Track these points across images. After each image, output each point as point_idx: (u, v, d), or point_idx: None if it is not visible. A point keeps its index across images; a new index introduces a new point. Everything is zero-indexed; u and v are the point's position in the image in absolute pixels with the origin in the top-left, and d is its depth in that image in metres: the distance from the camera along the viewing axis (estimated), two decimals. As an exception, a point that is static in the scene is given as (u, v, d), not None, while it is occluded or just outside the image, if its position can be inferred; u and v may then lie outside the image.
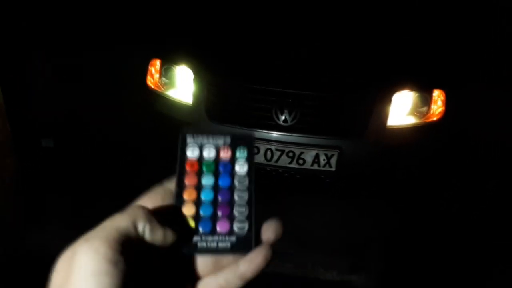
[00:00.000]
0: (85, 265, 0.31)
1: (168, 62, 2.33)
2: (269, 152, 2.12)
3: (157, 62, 2.35)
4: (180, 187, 0.41)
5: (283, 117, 2.09)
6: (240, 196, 0.41)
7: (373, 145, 2.07)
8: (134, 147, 2.78)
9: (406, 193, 2.50)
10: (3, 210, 1.99)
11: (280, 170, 2.18)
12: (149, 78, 2.37)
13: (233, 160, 0.42)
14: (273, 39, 2.40)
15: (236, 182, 0.41)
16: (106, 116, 3.02)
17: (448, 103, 2.22)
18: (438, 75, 2.33)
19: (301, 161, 2.11)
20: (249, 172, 0.42)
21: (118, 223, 0.34)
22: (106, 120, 3.01)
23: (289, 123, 2.09)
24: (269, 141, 2.11)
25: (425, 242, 2.20)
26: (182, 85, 2.27)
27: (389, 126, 2.09)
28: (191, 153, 0.42)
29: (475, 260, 2.08)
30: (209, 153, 0.42)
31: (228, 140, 0.43)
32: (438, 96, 2.21)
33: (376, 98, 2.08)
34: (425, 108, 2.18)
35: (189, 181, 0.41)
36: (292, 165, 2.13)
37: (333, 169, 2.10)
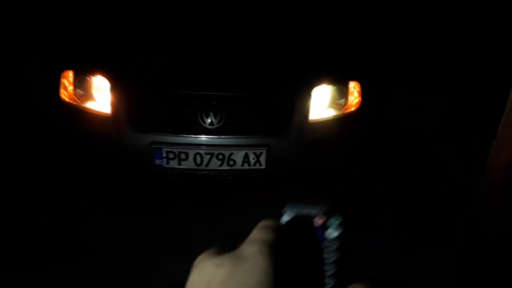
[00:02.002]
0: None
1: (81, 73, 2.19)
2: (198, 157, 2.10)
3: (70, 74, 2.20)
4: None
5: (209, 120, 2.08)
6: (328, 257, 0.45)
7: (298, 140, 2.14)
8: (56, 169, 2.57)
9: (333, 183, 2.62)
10: None
11: (212, 174, 2.17)
12: (62, 91, 2.22)
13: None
14: (191, 43, 2.38)
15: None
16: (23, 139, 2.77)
17: (364, 93, 2.37)
18: (352, 68, 2.48)
19: (231, 162, 2.12)
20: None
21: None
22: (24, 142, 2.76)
23: (215, 125, 2.08)
24: (198, 145, 2.09)
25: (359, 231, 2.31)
26: (99, 96, 2.16)
27: (311, 120, 2.17)
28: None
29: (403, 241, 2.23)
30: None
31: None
32: (354, 87, 2.34)
33: (297, 94, 2.15)
34: (343, 100, 2.29)
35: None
36: (223, 167, 2.13)
37: (263, 166, 2.14)
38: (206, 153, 2.09)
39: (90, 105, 2.16)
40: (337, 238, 0.46)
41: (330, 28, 2.64)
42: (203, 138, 2.09)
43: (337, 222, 0.47)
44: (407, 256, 2.08)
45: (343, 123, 2.27)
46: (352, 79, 2.34)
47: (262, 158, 2.12)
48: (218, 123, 2.08)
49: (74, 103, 2.18)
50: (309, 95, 2.17)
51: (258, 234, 0.42)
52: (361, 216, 2.28)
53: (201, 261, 0.40)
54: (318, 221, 0.47)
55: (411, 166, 2.92)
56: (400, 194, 2.60)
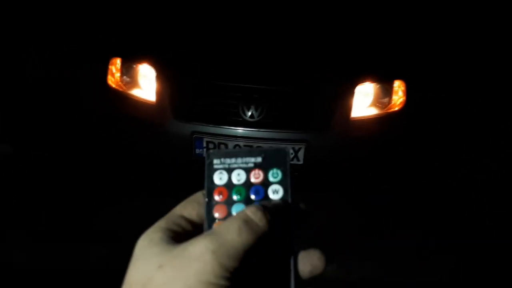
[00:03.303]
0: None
1: (129, 61, 2.26)
2: (237, 148, 2.11)
3: (118, 61, 2.27)
4: (209, 219, 0.37)
5: (249, 113, 2.09)
6: None
7: (338, 136, 2.11)
8: (97, 150, 2.68)
9: (370, 182, 2.57)
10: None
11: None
12: (109, 77, 2.29)
13: (265, 183, 0.38)
14: (237, 35, 2.39)
15: None
16: (67, 118, 2.90)
17: (409, 93, 2.30)
18: (398, 66, 2.40)
19: (269, 156, 2.12)
20: (284, 196, 0.38)
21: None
22: (67, 122, 2.90)
23: (255, 118, 2.09)
24: (237, 137, 2.11)
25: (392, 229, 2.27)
26: (144, 84, 2.21)
27: (353, 117, 2.13)
28: (219, 179, 0.38)
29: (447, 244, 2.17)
30: (238, 178, 0.38)
31: (260, 159, 0.39)
32: (398, 86, 2.27)
33: (339, 91, 2.12)
34: (387, 99, 2.24)
35: (219, 212, 0.37)
36: (260, 160, 2.13)
37: (301, 162, 2.13)
38: (245, 145, 2.11)
39: (135, 92, 2.22)
40: (282, 199, 0.37)
41: (377, 24, 2.57)
42: (243, 130, 2.10)
43: (279, 177, 0.38)
44: (411, 256, 2.04)
45: (386, 123, 2.22)
46: (398, 78, 2.28)
47: (301, 154, 2.11)
48: (258, 116, 2.09)
49: (120, 90, 2.25)
50: (352, 92, 2.14)
51: (218, 228, 0.34)
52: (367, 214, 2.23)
53: (143, 254, 0.34)
54: (256, 178, 0.38)
55: (422, 162, 2.84)
56: (408, 191, 2.56)
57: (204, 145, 2.12)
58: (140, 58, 2.23)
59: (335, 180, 2.49)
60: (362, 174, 2.47)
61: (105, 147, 2.61)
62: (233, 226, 0.33)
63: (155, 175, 2.57)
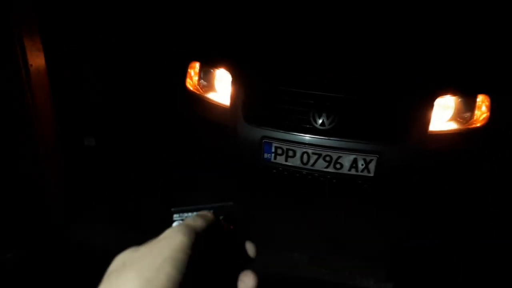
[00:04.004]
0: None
1: (207, 65, 2.37)
2: (305, 156, 2.11)
3: (196, 65, 2.40)
4: None
5: (320, 121, 2.07)
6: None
7: (413, 150, 2.02)
8: (173, 148, 2.85)
9: (447, 200, 2.42)
10: (47, 208, 2.09)
11: (316, 174, 2.17)
12: (188, 80, 2.42)
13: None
14: (311, 42, 2.40)
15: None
16: (146, 116, 3.11)
17: (493, 108, 2.13)
18: (482, 80, 2.25)
19: (338, 166, 2.09)
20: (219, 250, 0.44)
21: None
22: (146, 120, 3.11)
23: (326, 126, 2.07)
24: (306, 144, 2.10)
25: (466, 249, 2.12)
26: (220, 88, 2.31)
27: (431, 131, 2.03)
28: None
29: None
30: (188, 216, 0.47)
31: (211, 211, 0.46)
32: (482, 101, 2.13)
33: (417, 103, 2.03)
34: (468, 114, 2.10)
35: None
36: (329, 170, 2.11)
37: (372, 174, 2.07)
38: (313, 153, 2.10)
39: (212, 95, 2.32)
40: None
41: (461, 34, 2.43)
42: (312, 138, 2.09)
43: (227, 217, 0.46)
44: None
45: (467, 139, 2.08)
46: (481, 92, 2.13)
47: (372, 166, 2.05)
48: (329, 124, 2.07)
49: (198, 93, 2.36)
50: (431, 105, 2.03)
51: (187, 221, 0.42)
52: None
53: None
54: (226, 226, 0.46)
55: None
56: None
57: (273, 150, 2.14)
58: (218, 63, 2.33)
59: (408, 196, 2.39)
60: (441, 190, 2.34)
61: (181, 146, 2.77)
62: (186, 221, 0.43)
63: (223, 176, 2.65)
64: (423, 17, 2.50)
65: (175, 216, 0.48)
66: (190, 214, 0.48)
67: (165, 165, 2.78)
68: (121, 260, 0.38)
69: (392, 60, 2.26)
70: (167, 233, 0.39)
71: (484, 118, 2.13)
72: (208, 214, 0.45)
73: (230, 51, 2.40)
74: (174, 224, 0.47)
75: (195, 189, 2.54)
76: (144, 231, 2.13)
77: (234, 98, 2.21)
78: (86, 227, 2.19)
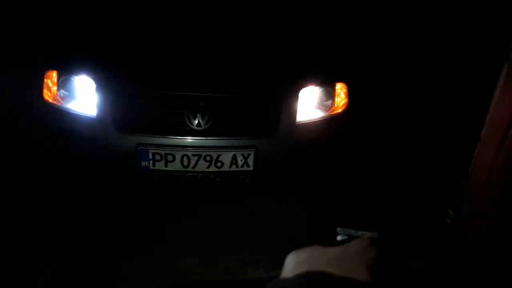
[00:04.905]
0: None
1: (65, 73, 2.15)
2: (185, 158, 2.08)
3: (54, 74, 2.16)
4: None
5: (196, 121, 2.06)
6: None
7: (285, 141, 2.14)
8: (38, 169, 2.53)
9: (321, 184, 2.63)
10: None
11: (200, 175, 2.15)
12: (45, 91, 2.17)
13: None
14: (177, 43, 2.36)
15: None
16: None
17: (350, 94, 2.38)
18: (339, 69, 2.49)
19: (219, 164, 2.11)
20: None
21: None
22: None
23: (203, 127, 2.07)
24: (185, 147, 2.07)
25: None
26: (83, 96, 2.11)
27: (299, 121, 2.17)
28: None
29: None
30: None
31: None
32: (340, 89, 2.35)
33: (284, 96, 2.15)
34: (329, 101, 2.31)
35: None
36: (210, 169, 2.11)
37: (251, 168, 2.13)
38: (193, 155, 2.08)
39: (74, 106, 2.12)
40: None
41: (316, 29, 2.65)
42: (190, 139, 2.07)
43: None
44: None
45: (330, 125, 2.27)
46: (339, 81, 2.35)
47: (250, 160, 2.11)
48: (205, 124, 2.07)
49: (58, 104, 2.13)
50: (296, 97, 2.18)
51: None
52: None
53: (300, 251, 0.51)
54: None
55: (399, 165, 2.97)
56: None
57: (150, 156, 2.06)
58: (77, 70, 2.13)
59: (286, 184, 2.52)
60: (310, 175, 2.52)
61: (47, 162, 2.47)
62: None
63: (103, 188, 2.47)
64: (284, 17, 2.65)
65: (340, 231, 0.58)
66: (353, 231, 0.57)
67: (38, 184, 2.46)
68: (314, 255, 0.49)
69: (259, 58, 2.35)
70: (357, 244, 0.49)
71: (343, 104, 2.36)
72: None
73: (92, 56, 2.22)
74: (338, 237, 0.58)
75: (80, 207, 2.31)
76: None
77: (101, 107, 2.06)
78: None
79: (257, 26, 2.53)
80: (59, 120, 2.12)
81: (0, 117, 2.71)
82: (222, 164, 2.11)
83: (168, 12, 2.57)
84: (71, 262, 1.94)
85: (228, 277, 1.99)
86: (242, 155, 2.10)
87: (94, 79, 2.08)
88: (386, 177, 2.82)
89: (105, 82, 2.08)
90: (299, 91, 2.19)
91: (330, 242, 0.53)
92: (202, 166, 2.10)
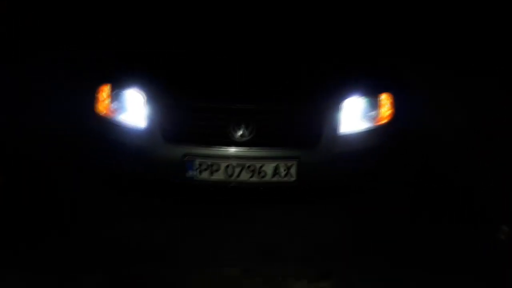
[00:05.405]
0: None
1: (118, 87, 2.28)
2: (229, 168, 2.13)
3: (107, 88, 2.30)
4: None
5: (240, 133, 2.11)
6: None
7: (328, 152, 2.14)
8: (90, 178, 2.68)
9: (366, 195, 2.58)
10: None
11: (243, 185, 2.19)
12: (99, 104, 2.31)
13: None
14: (222, 57, 2.44)
15: None
16: (58, 147, 2.89)
17: (395, 104, 2.34)
18: (384, 79, 2.46)
19: (262, 174, 2.13)
20: None
21: None
22: (58, 151, 2.88)
23: (246, 137, 2.11)
24: (229, 157, 2.12)
25: (390, 243, 2.26)
26: (134, 109, 2.23)
27: (342, 132, 2.17)
28: None
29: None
30: None
31: None
32: (385, 99, 2.32)
33: (327, 107, 2.16)
34: (374, 112, 2.28)
35: None
36: (253, 179, 2.15)
37: (294, 178, 2.14)
38: (237, 165, 2.12)
39: (124, 118, 2.24)
40: None
41: (361, 39, 2.64)
42: (234, 150, 2.12)
43: None
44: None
45: (375, 136, 2.25)
46: (383, 91, 2.33)
47: (293, 170, 2.12)
48: (249, 135, 2.11)
49: (110, 116, 2.26)
50: (339, 107, 2.18)
51: None
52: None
53: None
54: None
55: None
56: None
57: (196, 166, 2.12)
58: (129, 84, 2.26)
59: (329, 194, 2.51)
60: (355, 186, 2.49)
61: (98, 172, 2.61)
62: None
63: (151, 197, 2.57)
64: (329, 28, 2.68)
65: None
66: None
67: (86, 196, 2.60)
68: None
69: (302, 68, 2.38)
70: None
71: (389, 115, 2.32)
72: None
73: (142, 71, 2.35)
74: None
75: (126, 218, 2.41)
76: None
77: (150, 119, 2.16)
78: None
79: (301, 36, 2.57)
80: (110, 131, 2.25)
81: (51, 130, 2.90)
82: (265, 174, 2.13)
83: (212, 28, 2.68)
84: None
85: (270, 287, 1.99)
86: (285, 165, 2.12)
87: (144, 93, 2.19)
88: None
89: (153, 96, 2.19)
90: (342, 102, 2.19)
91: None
92: (245, 176, 2.14)
